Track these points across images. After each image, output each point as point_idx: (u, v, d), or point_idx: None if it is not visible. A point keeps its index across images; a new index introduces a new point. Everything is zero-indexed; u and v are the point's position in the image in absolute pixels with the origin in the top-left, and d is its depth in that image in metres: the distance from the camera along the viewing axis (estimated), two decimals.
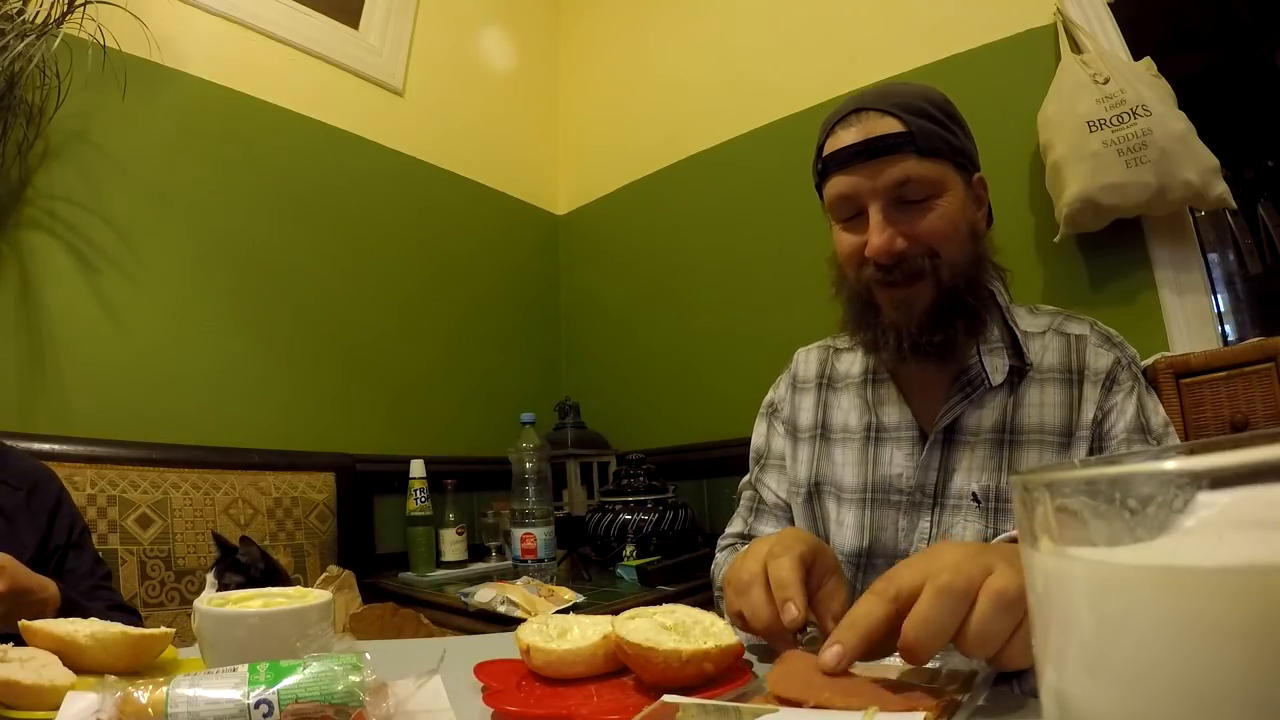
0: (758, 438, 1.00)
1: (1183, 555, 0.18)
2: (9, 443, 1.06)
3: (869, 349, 0.86)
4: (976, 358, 0.81)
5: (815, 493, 0.90)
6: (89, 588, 0.98)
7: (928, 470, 0.82)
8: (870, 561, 0.85)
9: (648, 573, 1.56)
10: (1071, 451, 0.77)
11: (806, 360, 0.98)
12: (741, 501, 1.01)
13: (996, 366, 0.80)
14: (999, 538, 0.70)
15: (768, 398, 1.01)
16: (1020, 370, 0.81)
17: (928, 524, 0.81)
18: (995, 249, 0.85)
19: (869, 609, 0.47)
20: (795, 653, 0.52)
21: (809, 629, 0.55)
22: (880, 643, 0.47)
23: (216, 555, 1.19)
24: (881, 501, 0.85)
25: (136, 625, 0.85)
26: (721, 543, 1.00)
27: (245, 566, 1.16)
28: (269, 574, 1.21)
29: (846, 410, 0.90)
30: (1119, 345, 0.82)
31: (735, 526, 0.99)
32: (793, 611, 0.54)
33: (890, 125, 0.75)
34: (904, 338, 0.78)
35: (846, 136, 0.77)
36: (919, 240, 0.76)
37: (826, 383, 0.94)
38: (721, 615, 0.76)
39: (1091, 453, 0.77)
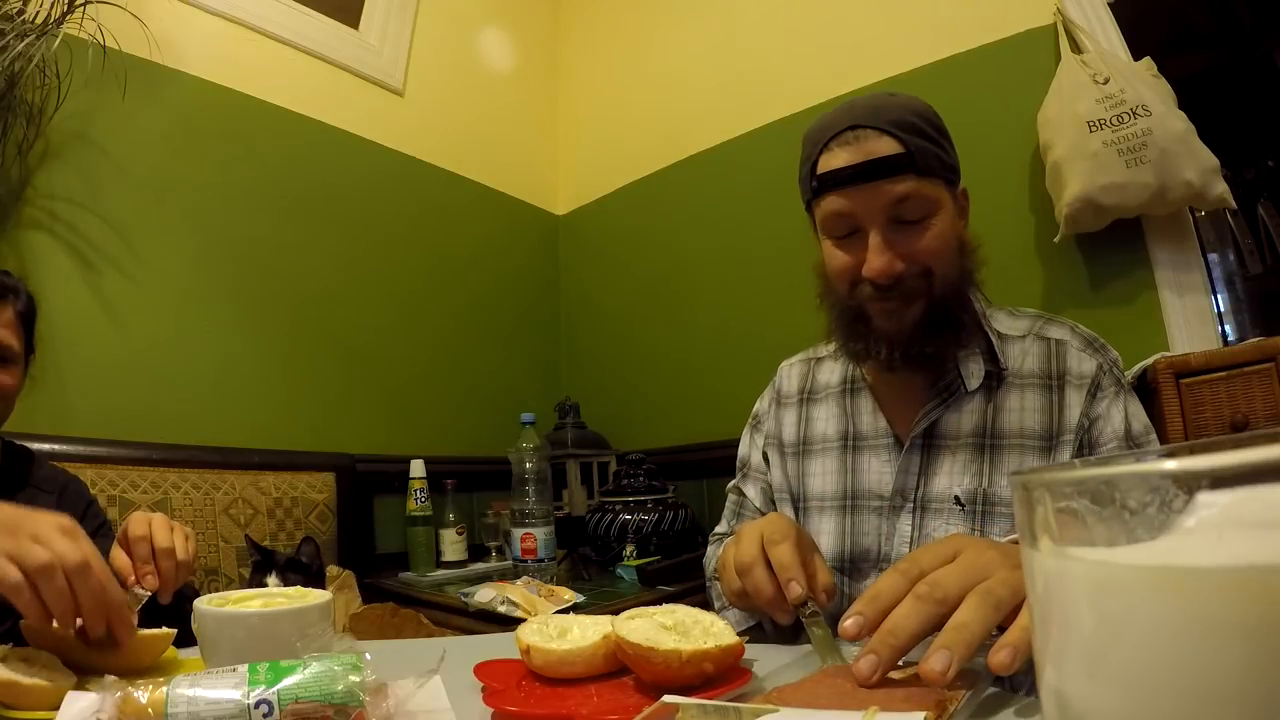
0: (743, 447, 1.03)
1: (1183, 555, 0.18)
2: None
3: (859, 358, 0.87)
4: (953, 364, 0.82)
5: (797, 508, 0.93)
6: None
7: (907, 475, 0.83)
8: (854, 565, 0.85)
9: (648, 573, 1.56)
10: (1055, 455, 0.77)
11: (789, 375, 1.00)
12: (728, 503, 1.04)
13: (972, 372, 0.82)
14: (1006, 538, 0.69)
15: (754, 409, 1.04)
16: (998, 375, 0.81)
17: (908, 527, 0.82)
18: (979, 258, 0.85)
19: (907, 613, 0.47)
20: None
21: (808, 604, 0.61)
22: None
23: (255, 558, 1.20)
24: (861, 508, 0.86)
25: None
26: (711, 539, 1.04)
27: (306, 565, 1.18)
28: (320, 573, 1.24)
29: (825, 420, 0.92)
30: (1101, 349, 0.82)
31: (722, 526, 1.03)
32: (796, 590, 0.61)
33: (889, 146, 0.74)
34: (895, 347, 0.79)
35: (844, 155, 0.76)
36: (915, 260, 0.76)
37: (807, 396, 0.96)
38: (714, 601, 0.84)
39: (1078, 457, 0.77)
